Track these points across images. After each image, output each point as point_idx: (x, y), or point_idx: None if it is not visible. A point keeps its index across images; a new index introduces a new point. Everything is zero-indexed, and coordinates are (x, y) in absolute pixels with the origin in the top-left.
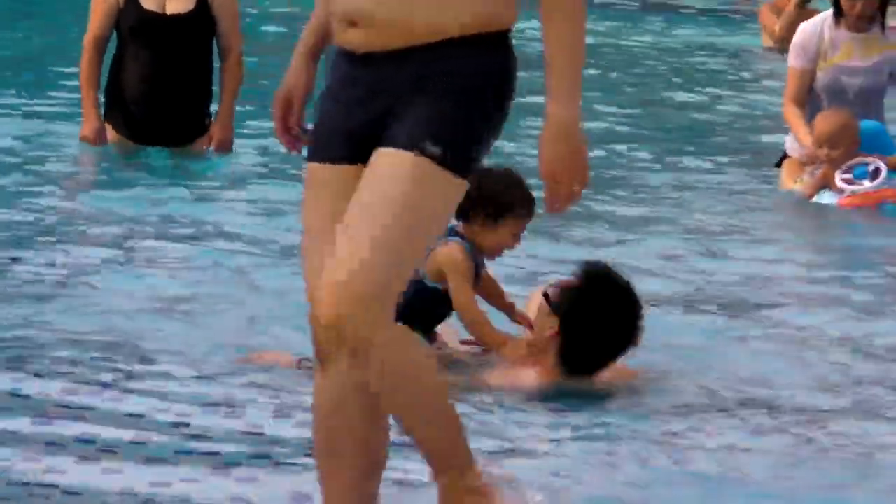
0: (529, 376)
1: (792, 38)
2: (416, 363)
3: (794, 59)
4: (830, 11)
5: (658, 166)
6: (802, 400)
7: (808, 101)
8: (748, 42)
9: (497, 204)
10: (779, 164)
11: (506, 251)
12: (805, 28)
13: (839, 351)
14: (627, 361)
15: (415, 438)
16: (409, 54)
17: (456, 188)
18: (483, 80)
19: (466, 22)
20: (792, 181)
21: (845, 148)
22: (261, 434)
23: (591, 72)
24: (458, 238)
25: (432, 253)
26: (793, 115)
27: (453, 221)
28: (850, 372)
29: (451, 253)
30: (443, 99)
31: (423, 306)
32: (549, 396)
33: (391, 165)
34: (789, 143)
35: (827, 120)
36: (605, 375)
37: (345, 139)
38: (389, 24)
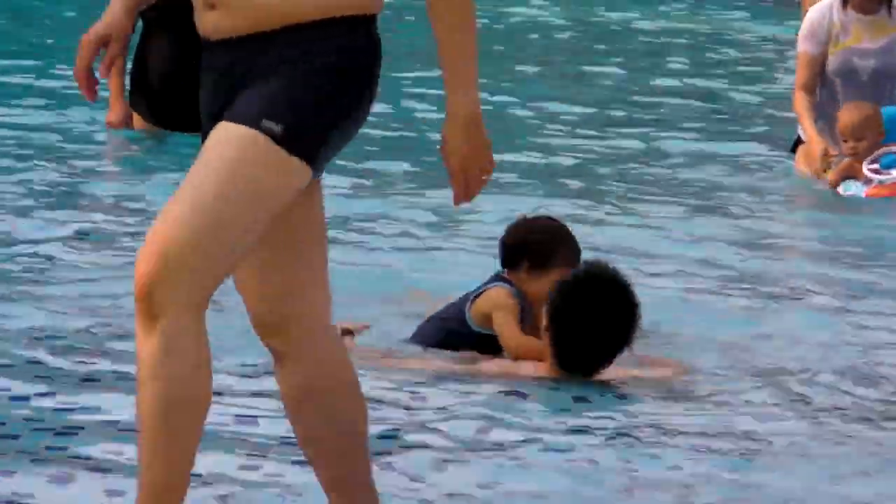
0: (528, 369)
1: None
2: (183, 366)
3: (804, 45)
4: None
5: (682, 156)
6: (831, 396)
7: (821, 85)
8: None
9: (543, 254)
10: (793, 150)
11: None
12: (813, 13)
13: (868, 347)
14: (664, 354)
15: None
16: (265, 38)
17: (294, 171)
18: (338, 64)
19: (325, 4)
20: (805, 166)
21: (871, 140)
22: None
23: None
24: (504, 283)
25: (477, 298)
26: (801, 106)
27: (499, 268)
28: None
29: (496, 294)
30: (292, 79)
31: (467, 346)
32: (539, 392)
33: (221, 138)
34: (801, 127)
35: (851, 112)
36: (632, 371)
37: (211, 124)
38: (246, 5)
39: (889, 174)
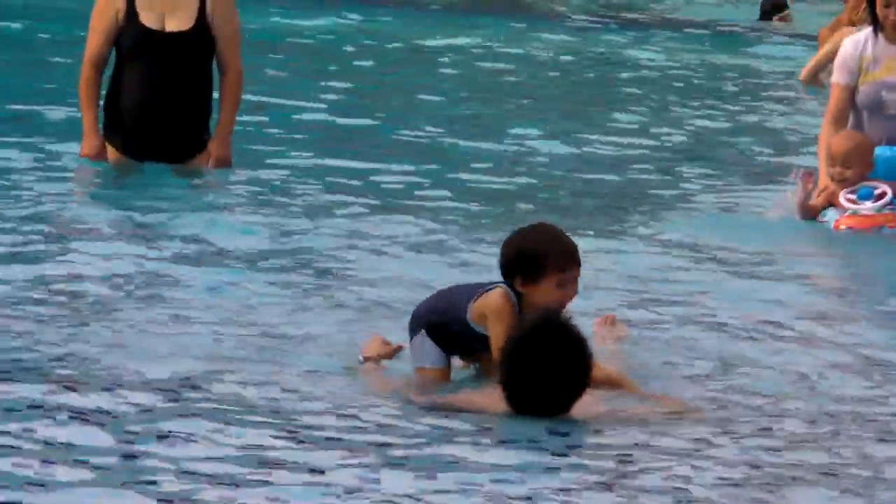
0: (494, 401)
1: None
2: None
3: (836, 76)
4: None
5: (667, 187)
6: (803, 426)
7: (851, 117)
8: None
9: (533, 266)
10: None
11: (565, 302)
12: (848, 45)
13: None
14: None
15: None
16: None
17: None
18: None
19: None
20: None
21: (858, 169)
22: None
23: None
24: (505, 284)
25: (478, 298)
26: (824, 140)
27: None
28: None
29: (494, 298)
30: None
31: (464, 340)
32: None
33: None
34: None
35: (843, 140)
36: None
37: None
38: None
39: (863, 205)
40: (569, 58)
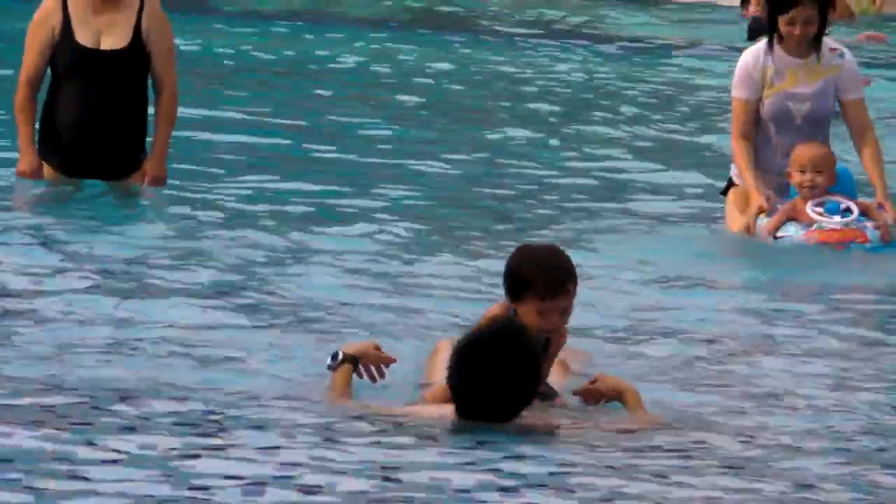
0: (444, 412)
1: None
2: None
3: (738, 91)
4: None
5: (607, 201)
6: (745, 448)
7: (757, 130)
8: None
9: (514, 284)
10: (724, 192)
11: (547, 329)
12: (746, 58)
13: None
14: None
15: None
16: None
17: None
18: None
19: None
20: (737, 210)
21: (826, 177)
22: None
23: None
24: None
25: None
26: (742, 157)
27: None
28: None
29: (491, 308)
30: None
31: None
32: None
33: None
34: (735, 172)
35: (810, 148)
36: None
37: None
38: None
39: (832, 219)
40: (506, 71)
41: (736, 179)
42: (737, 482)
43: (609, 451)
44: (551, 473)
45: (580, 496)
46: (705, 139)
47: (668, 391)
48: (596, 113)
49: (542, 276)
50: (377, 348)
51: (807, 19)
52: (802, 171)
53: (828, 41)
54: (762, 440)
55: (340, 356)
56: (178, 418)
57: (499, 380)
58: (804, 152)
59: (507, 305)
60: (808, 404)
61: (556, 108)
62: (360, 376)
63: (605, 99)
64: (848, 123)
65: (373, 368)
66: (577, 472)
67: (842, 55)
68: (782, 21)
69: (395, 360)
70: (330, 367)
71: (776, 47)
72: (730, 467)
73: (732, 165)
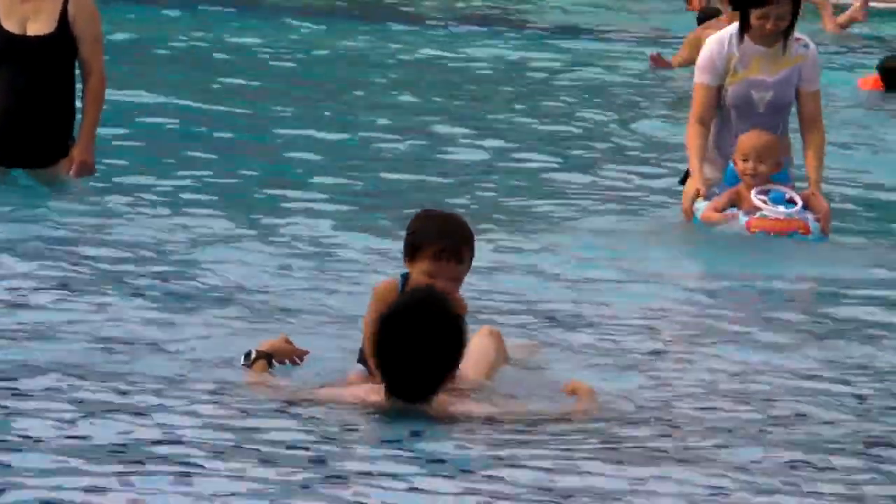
0: (365, 393)
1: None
2: None
3: (701, 76)
4: (735, 26)
5: (546, 190)
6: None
7: (717, 116)
8: None
9: (409, 241)
10: (682, 181)
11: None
12: (712, 44)
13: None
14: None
15: None
16: None
17: None
18: None
19: None
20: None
21: (769, 166)
22: None
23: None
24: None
25: None
26: (693, 140)
27: None
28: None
29: (379, 285)
30: None
31: None
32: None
33: None
34: None
35: (754, 136)
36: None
37: None
38: None
39: (777, 209)
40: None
41: (689, 164)
42: (665, 470)
43: (536, 437)
44: (473, 459)
45: (506, 484)
46: (640, 126)
47: (603, 378)
48: (525, 101)
49: (436, 239)
50: (288, 342)
51: (780, 16)
52: (745, 160)
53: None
54: (694, 427)
55: (253, 354)
56: (106, 406)
57: (423, 346)
58: (748, 141)
59: (391, 280)
60: (743, 392)
61: (486, 96)
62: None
63: (537, 87)
64: (800, 112)
65: (287, 363)
66: (502, 458)
67: (806, 46)
68: (755, 15)
69: (307, 352)
70: (245, 366)
71: (745, 36)
72: (663, 454)
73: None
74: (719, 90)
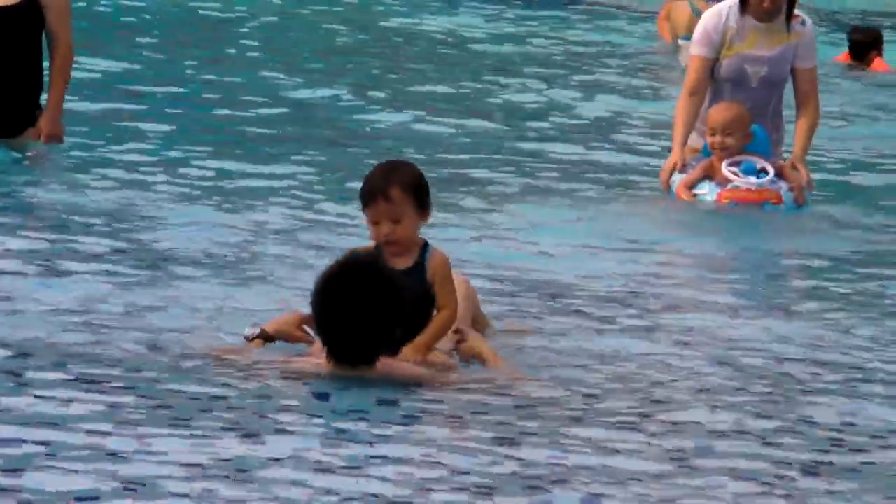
0: (308, 363)
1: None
2: None
3: (697, 48)
4: (735, 0)
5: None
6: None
7: (711, 88)
8: None
9: (360, 194)
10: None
11: (386, 240)
12: (708, 18)
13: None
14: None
15: None
16: None
17: None
18: None
19: None
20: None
21: (738, 138)
22: None
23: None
24: None
25: None
26: (681, 111)
27: None
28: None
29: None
30: None
31: None
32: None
33: None
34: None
35: (721, 109)
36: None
37: None
38: None
39: (748, 179)
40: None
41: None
42: (630, 436)
43: (477, 405)
44: (409, 423)
45: (440, 448)
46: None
47: (579, 346)
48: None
49: (363, 185)
50: (301, 325)
51: None
52: (713, 134)
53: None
54: (664, 394)
55: (257, 332)
56: (67, 374)
57: (358, 310)
58: (715, 114)
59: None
60: (715, 358)
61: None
62: None
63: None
64: (795, 89)
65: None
66: (440, 424)
67: (803, 23)
68: None
69: (312, 341)
70: (246, 338)
71: (745, 9)
72: (632, 424)
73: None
74: (715, 62)
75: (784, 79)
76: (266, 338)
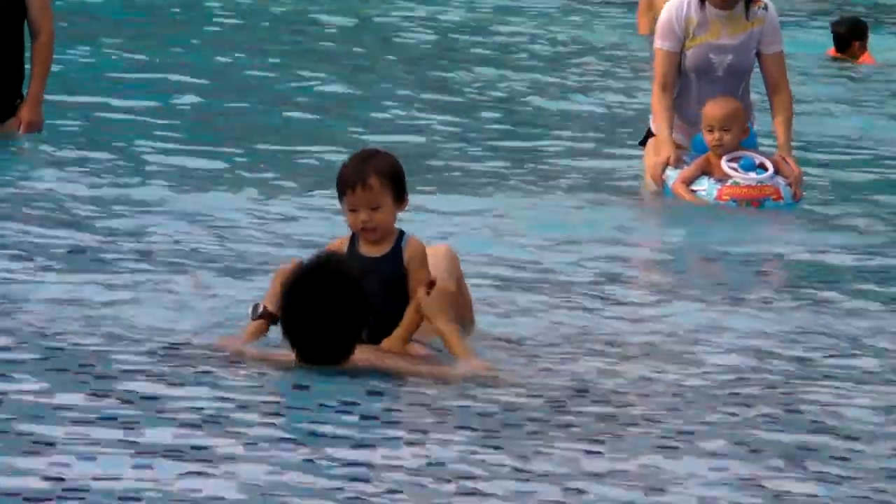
0: (283, 358)
1: None
2: None
3: (661, 41)
4: None
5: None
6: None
7: (678, 80)
8: None
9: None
10: (643, 143)
11: (363, 227)
12: (669, 10)
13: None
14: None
15: None
16: None
17: None
18: None
19: None
20: (650, 164)
21: (735, 134)
22: None
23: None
24: None
25: None
26: (659, 105)
27: None
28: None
29: (333, 242)
30: None
31: None
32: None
33: None
34: (653, 121)
35: (718, 105)
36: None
37: None
38: None
39: (748, 175)
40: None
41: (654, 129)
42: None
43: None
44: (376, 417)
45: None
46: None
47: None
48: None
49: (338, 175)
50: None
51: None
52: (711, 131)
53: None
54: (643, 392)
55: (259, 311)
56: (49, 365)
57: (324, 313)
58: (711, 111)
59: (344, 239)
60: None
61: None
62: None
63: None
64: (764, 76)
65: None
66: (405, 414)
67: (765, 7)
68: None
69: None
70: (251, 317)
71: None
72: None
73: (651, 116)
74: (680, 55)
75: (750, 66)
76: (268, 318)
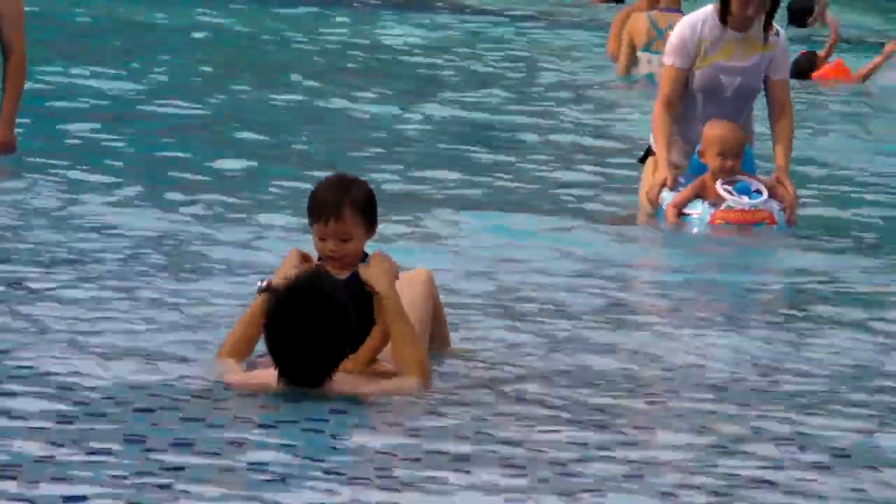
0: (266, 378)
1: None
2: None
3: (671, 59)
4: (710, 8)
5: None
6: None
7: (683, 99)
8: None
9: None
10: (643, 160)
11: (331, 255)
12: (684, 27)
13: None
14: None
15: None
16: None
17: None
18: None
19: None
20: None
21: (736, 158)
22: None
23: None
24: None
25: None
26: (659, 123)
27: None
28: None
29: (290, 254)
30: None
31: None
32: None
33: None
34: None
35: (725, 130)
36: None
37: None
38: None
39: (741, 200)
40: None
41: (654, 148)
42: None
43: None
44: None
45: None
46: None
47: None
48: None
49: (312, 201)
50: (306, 258)
51: (761, 2)
52: (723, 157)
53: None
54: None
55: (265, 286)
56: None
57: (308, 333)
58: (723, 137)
59: (298, 251)
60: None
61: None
62: None
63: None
64: (769, 100)
65: None
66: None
67: (777, 34)
68: (736, 1)
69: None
70: (258, 292)
71: (726, 21)
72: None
73: (651, 135)
74: (688, 73)
75: (757, 89)
76: (274, 291)
